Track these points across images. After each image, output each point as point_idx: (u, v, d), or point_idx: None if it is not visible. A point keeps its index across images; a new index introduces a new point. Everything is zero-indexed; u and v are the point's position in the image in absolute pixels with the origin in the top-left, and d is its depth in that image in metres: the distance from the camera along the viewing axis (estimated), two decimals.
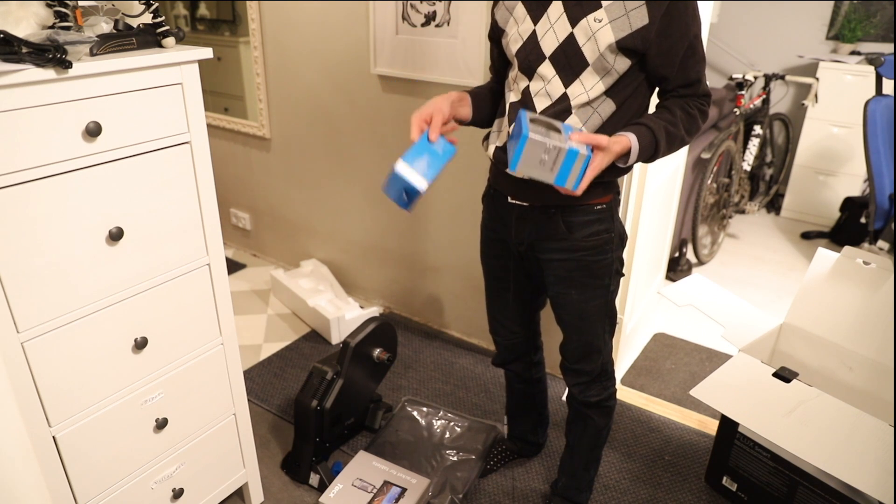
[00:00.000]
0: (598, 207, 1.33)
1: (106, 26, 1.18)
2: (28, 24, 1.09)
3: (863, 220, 3.39)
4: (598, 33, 1.18)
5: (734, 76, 3.37)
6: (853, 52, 3.75)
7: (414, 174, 1.19)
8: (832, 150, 3.70)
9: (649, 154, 1.24)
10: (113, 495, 1.37)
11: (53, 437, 1.22)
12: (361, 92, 2.43)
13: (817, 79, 3.48)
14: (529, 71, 1.28)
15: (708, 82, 1.29)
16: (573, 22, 1.20)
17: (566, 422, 1.67)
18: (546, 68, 1.25)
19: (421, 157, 1.22)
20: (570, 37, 1.21)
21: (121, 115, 1.17)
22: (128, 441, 1.36)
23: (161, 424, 1.41)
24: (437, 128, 1.26)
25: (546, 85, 1.26)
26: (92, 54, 1.13)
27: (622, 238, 1.41)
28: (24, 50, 1.01)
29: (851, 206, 3.54)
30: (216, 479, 1.62)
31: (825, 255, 1.90)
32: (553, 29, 1.23)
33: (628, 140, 1.20)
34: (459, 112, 1.38)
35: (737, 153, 3.38)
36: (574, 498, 1.72)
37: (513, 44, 1.30)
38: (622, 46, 1.18)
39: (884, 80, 2.86)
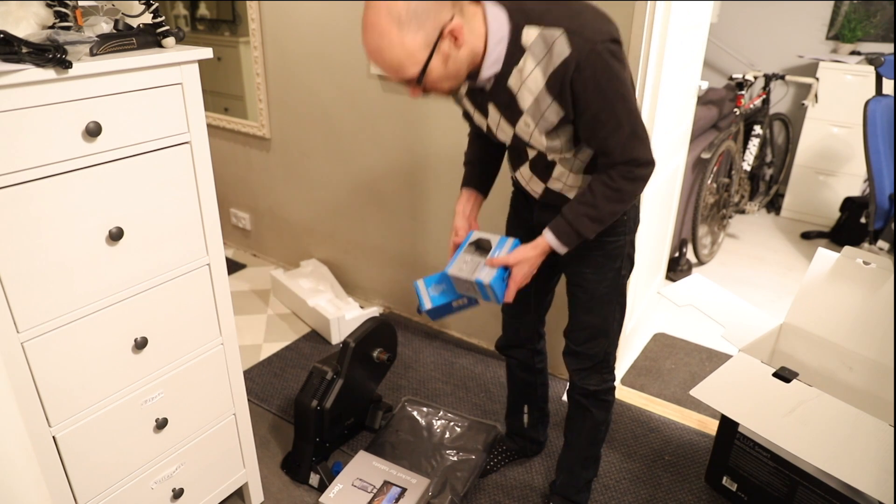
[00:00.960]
0: None
1: (106, 26, 1.18)
2: (28, 24, 1.09)
3: (863, 220, 3.39)
4: (533, 134, 1.25)
5: (734, 76, 3.37)
6: (853, 52, 3.75)
7: (425, 295, 1.37)
8: (832, 150, 3.70)
9: (574, 240, 1.30)
10: (113, 495, 1.37)
11: (53, 437, 1.22)
12: (361, 92, 2.43)
13: (817, 79, 3.48)
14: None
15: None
16: (512, 124, 1.28)
17: (566, 419, 1.68)
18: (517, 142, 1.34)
19: (440, 284, 1.38)
20: (516, 135, 1.29)
21: (121, 115, 1.17)
22: (128, 441, 1.37)
23: (161, 424, 1.41)
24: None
25: (527, 147, 1.34)
26: (92, 54, 1.13)
27: (635, 221, 1.46)
28: (24, 50, 1.01)
29: (851, 206, 3.54)
30: (216, 479, 1.62)
31: (825, 255, 1.90)
32: (500, 127, 1.31)
33: (545, 241, 1.31)
34: (474, 207, 1.50)
35: (737, 153, 3.38)
36: (573, 497, 1.72)
37: (478, 122, 1.38)
38: (555, 132, 1.24)
39: (884, 80, 2.86)
